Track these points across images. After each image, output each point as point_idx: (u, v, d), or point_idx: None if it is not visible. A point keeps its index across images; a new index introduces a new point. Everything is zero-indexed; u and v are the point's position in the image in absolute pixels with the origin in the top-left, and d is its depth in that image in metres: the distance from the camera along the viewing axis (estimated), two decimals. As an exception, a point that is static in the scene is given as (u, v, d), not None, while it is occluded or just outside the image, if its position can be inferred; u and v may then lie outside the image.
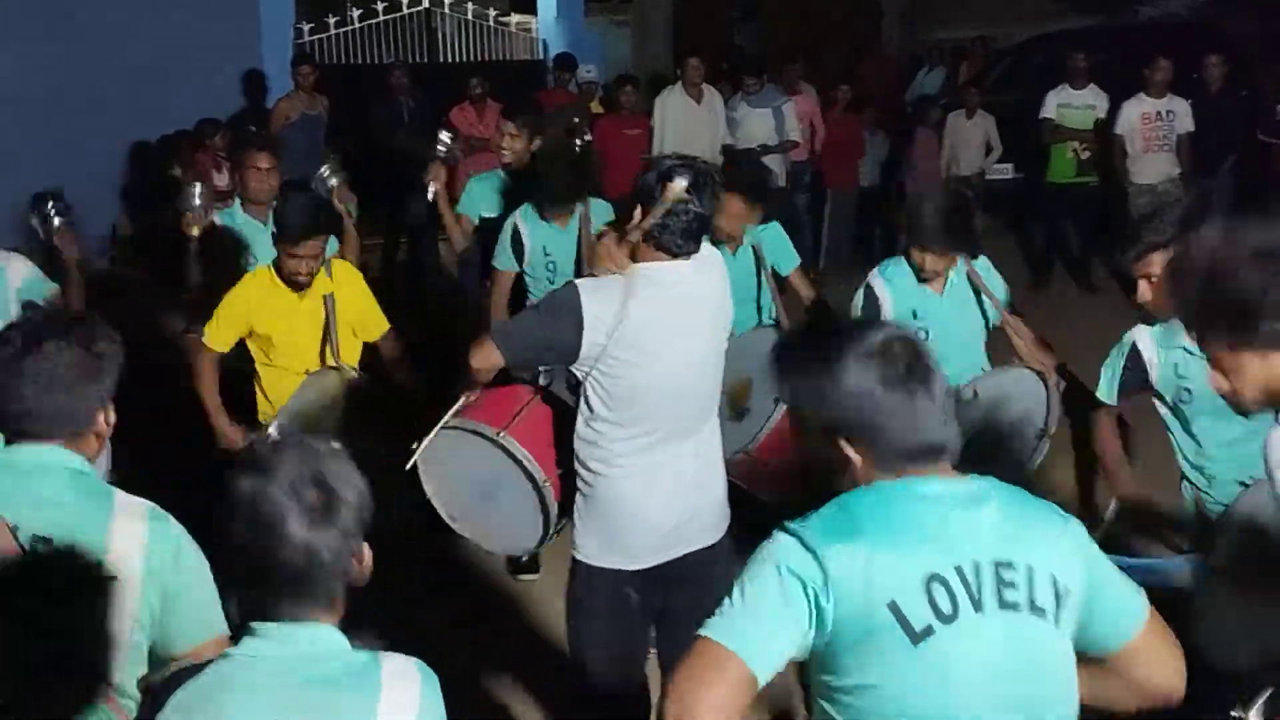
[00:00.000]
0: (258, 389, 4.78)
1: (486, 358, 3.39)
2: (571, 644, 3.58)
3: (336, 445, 1.97)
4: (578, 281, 3.37)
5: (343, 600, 1.95)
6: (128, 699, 2.33)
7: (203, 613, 2.38)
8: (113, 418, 2.46)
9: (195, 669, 1.92)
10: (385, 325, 4.84)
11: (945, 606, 1.91)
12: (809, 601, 1.89)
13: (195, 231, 5.54)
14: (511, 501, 3.81)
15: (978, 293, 4.38)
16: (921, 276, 4.29)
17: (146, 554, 2.31)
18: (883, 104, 11.77)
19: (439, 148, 6.04)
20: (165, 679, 1.95)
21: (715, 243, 4.84)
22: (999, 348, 4.47)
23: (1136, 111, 9.50)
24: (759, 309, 5.00)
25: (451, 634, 4.74)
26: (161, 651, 2.37)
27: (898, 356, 2.00)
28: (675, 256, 3.33)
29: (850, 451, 2.02)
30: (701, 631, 1.91)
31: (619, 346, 3.25)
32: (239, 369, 4.83)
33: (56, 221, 5.06)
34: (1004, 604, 1.94)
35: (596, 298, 3.25)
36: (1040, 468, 3.68)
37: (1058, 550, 2.00)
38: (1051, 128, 9.95)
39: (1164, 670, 2.10)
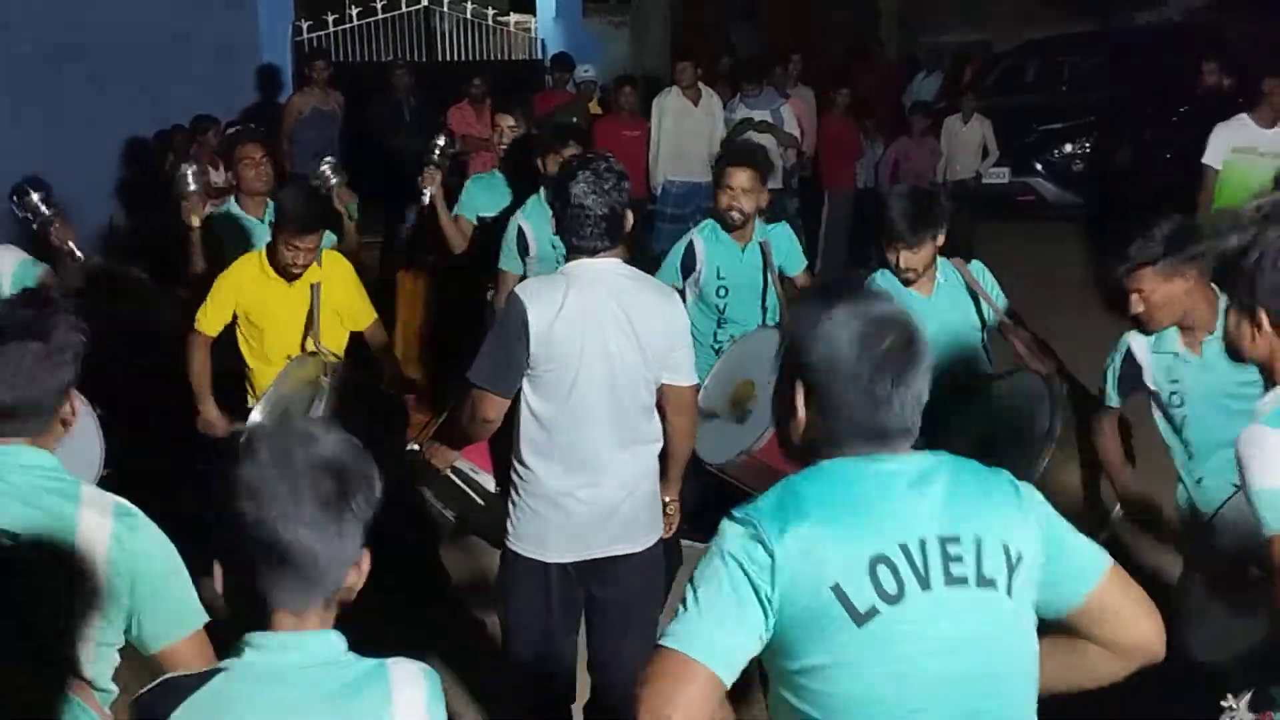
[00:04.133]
0: (247, 382, 4.80)
1: (496, 406, 3.49)
2: (501, 627, 3.76)
3: (355, 440, 1.90)
4: (518, 288, 3.50)
5: (336, 605, 1.90)
6: (102, 692, 2.34)
7: (177, 609, 2.36)
8: (78, 405, 2.48)
9: (188, 681, 1.85)
10: (372, 315, 4.88)
11: (890, 587, 1.90)
12: (758, 595, 1.89)
13: (195, 221, 5.53)
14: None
15: (974, 296, 4.38)
16: (903, 278, 4.27)
17: (112, 549, 2.30)
18: (878, 106, 11.77)
19: (434, 153, 6.03)
20: (154, 690, 1.87)
21: (726, 229, 4.90)
22: (998, 352, 4.47)
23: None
24: (764, 309, 4.99)
25: (448, 629, 4.75)
26: (140, 650, 2.36)
27: (886, 334, 1.96)
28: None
29: (800, 403, 2.01)
30: (661, 641, 1.92)
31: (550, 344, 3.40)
32: (232, 369, 4.85)
33: (48, 212, 5.03)
34: (951, 579, 1.93)
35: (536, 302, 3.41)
36: (1046, 471, 3.68)
37: (1009, 518, 1.99)
38: (1213, 177, 6.90)
39: (1135, 623, 2.07)
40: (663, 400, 3.61)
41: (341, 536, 1.82)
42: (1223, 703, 2.65)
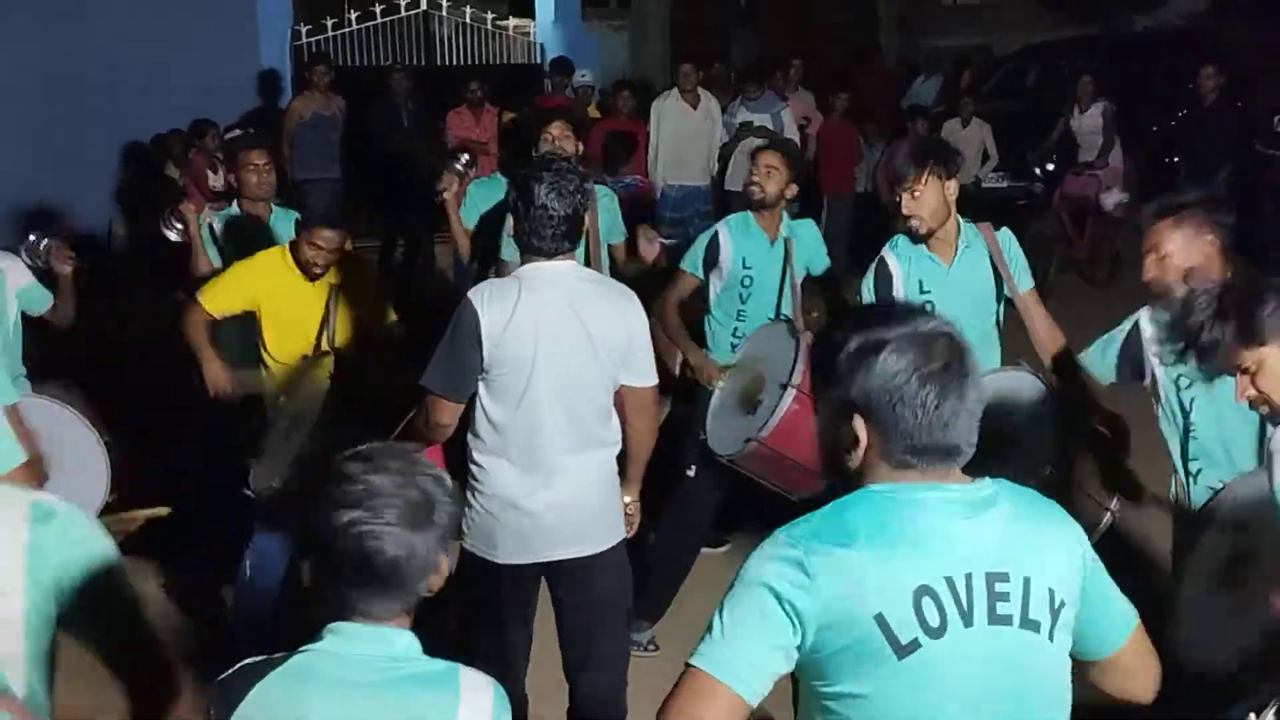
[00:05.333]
0: (265, 375, 4.80)
1: (449, 411, 3.48)
2: (461, 628, 3.78)
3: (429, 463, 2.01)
4: (471, 293, 3.47)
5: (413, 612, 1.99)
6: (37, 707, 2.16)
7: (117, 604, 2.22)
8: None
9: (266, 663, 1.93)
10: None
11: (933, 620, 1.87)
12: (791, 619, 1.87)
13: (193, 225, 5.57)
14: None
15: (995, 268, 4.24)
16: (909, 228, 4.14)
17: (29, 559, 2.11)
18: (878, 110, 11.78)
19: (459, 166, 6.05)
20: (234, 673, 1.95)
21: (750, 207, 4.87)
22: (1012, 329, 4.38)
23: None
24: (778, 304, 4.94)
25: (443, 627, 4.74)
26: (90, 650, 2.24)
27: (939, 352, 1.93)
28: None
29: (861, 432, 1.96)
30: (690, 660, 1.91)
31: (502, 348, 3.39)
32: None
33: (44, 244, 5.07)
34: (995, 618, 1.90)
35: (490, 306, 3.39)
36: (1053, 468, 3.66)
37: (1058, 561, 1.97)
38: None
39: (1142, 680, 2.11)
40: (622, 401, 3.59)
41: (428, 543, 1.93)
42: (1239, 714, 2.63)
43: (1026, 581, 1.93)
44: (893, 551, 1.88)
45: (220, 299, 4.67)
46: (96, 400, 4.65)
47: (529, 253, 3.46)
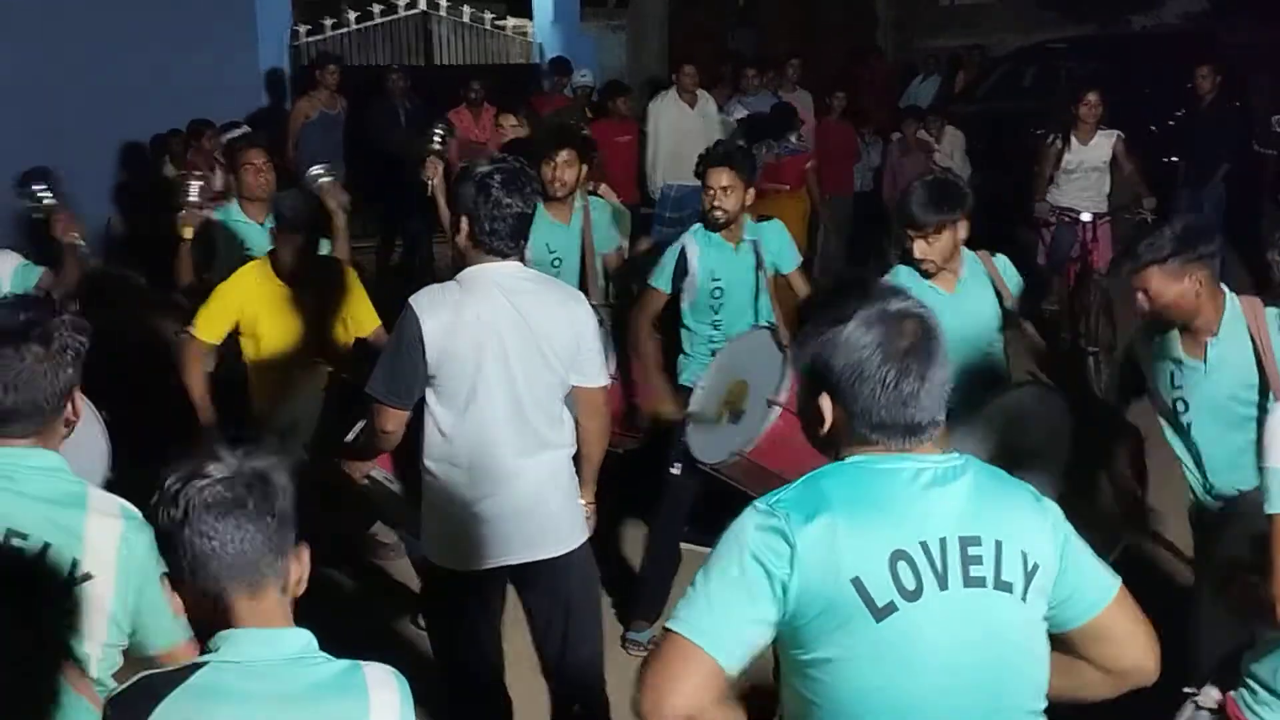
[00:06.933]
0: (250, 387, 4.80)
1: (394, 418, 3.45)
2: (430, 639, 3.78)
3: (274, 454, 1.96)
4: (411, 300, 3.43)
5: (290, 596, 1.95)
6: (104, 689, 2.32)
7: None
8: (81, 406, 2.48)
9: (168, 678, 1.86)
10: (376, 321, 4.86)
11: (909, 583, 1.91)
12: (773, 587, 1.90)
13: (188, 233, 5.56)
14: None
15: (998, 292, 4.26)
16: (922, 269, 4.14)
17: (121, 550, 2.33)
18: (876, 110, 11.77)
19: (434, 144, 6.01)
20: (131, 689, 1.88)
21: (711, 229, 4.87)
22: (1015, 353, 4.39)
23: None
24: (756, 309, 4.94)
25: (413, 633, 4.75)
26: (136, 652, 2.38)
27: (904, 331, 1.97)
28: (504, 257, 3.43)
29: (827, 409, 2.01)
30: (668, 624, 1.94)
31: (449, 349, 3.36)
32: (231, 376, 4.85)
33: (46, 201, 5.02)
34: (969, 580, 1.94)
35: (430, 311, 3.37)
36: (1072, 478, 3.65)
37: (1029, 526, 2.01)
38: None
39: (1134, 647, 2.10)
40: (574, 403, 3.57)
41: (269, 530, 1.88)
42: (1185, 689, 2.67)
43: (999, 544, 1.97)
44: (868, 517, 1.93)
45: (212, 324, 4.66)
46: (90, 396, 4.65)
47: (484, 253, 3.40)
